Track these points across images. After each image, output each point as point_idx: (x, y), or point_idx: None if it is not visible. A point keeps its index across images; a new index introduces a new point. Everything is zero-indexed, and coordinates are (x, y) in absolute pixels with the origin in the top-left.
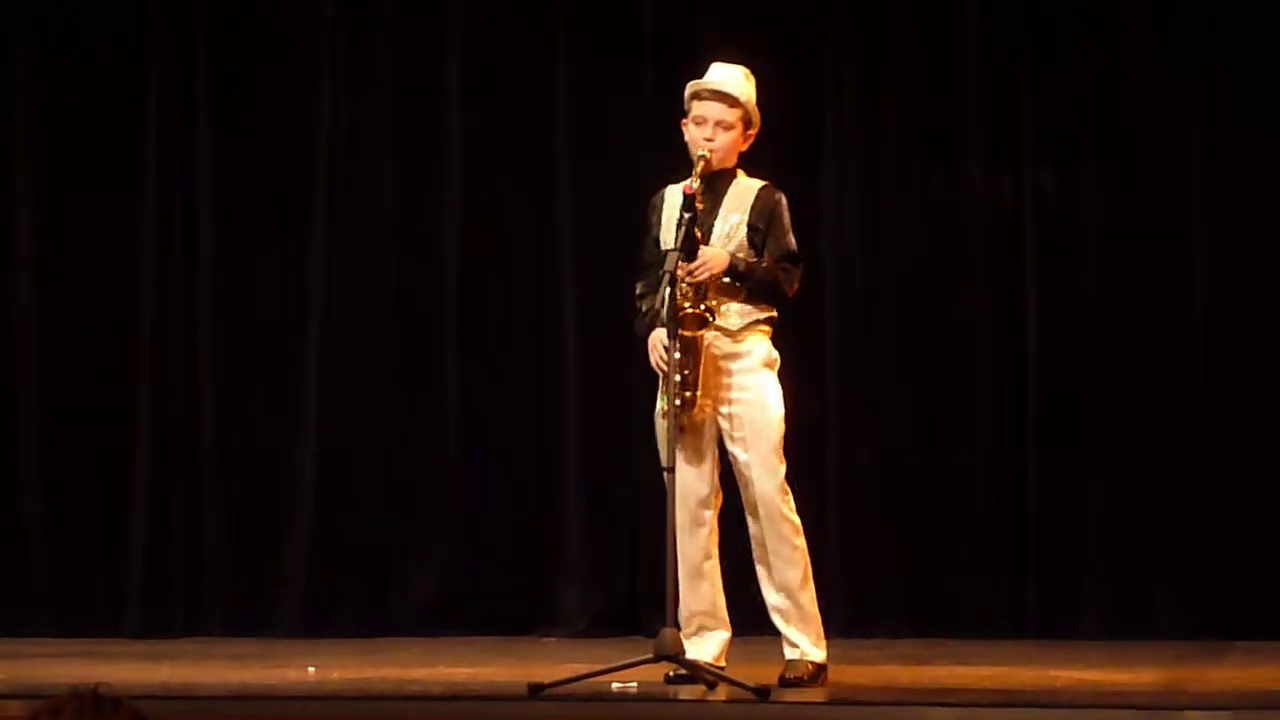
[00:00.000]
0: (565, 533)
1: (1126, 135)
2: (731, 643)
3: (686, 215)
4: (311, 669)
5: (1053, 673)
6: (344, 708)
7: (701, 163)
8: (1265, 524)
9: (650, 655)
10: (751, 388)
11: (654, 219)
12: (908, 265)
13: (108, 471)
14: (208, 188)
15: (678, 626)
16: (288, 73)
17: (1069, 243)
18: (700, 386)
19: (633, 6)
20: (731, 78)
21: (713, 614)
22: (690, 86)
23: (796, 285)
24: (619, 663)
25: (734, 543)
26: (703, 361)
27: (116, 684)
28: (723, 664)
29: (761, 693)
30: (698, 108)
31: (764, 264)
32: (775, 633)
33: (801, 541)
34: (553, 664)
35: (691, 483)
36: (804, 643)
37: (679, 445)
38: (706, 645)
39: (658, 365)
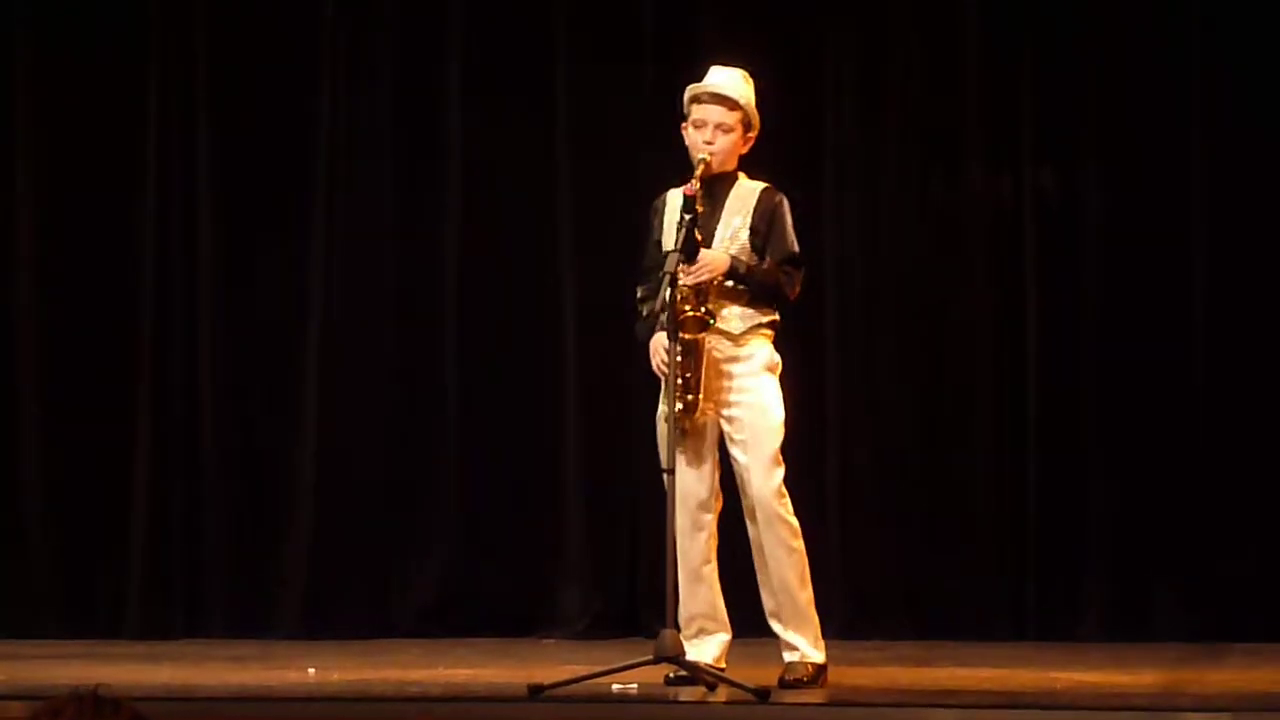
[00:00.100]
0: (565, 533)
1: (1126, 135)
2: (731, 644)
3: (687, 217)
4: (311, 670)
5: (1053, 674)
6: (344, 709)
7: (702, 166)
8: (1265, 525)
9: (650, 657)
10: (753, 391)
11: (655, 222)
12: (908, 265)
13: (108, 471)
14: (208, 188)
15: (678, 628)
16: (288, 73)
17: (1069, 243)
18: (702, 389)
19: (633, 6)
20: (730, 80)
21: (713, 616)
22: (689, 90)
23: (798, 287)
24: (619, 664)
25: (735, 545)
26: (704, 365)
27: (116, 685)
28: (723, 665)
29: (761, 694)
30: (697, 111)
31: (765, 266)
32: (775, 635)
33: (799, 544)
34: (553, 665)
35: (692, 485)
36: (803, 644)
37: (680, 448)
38: (706, 647)
39: (659, 369)
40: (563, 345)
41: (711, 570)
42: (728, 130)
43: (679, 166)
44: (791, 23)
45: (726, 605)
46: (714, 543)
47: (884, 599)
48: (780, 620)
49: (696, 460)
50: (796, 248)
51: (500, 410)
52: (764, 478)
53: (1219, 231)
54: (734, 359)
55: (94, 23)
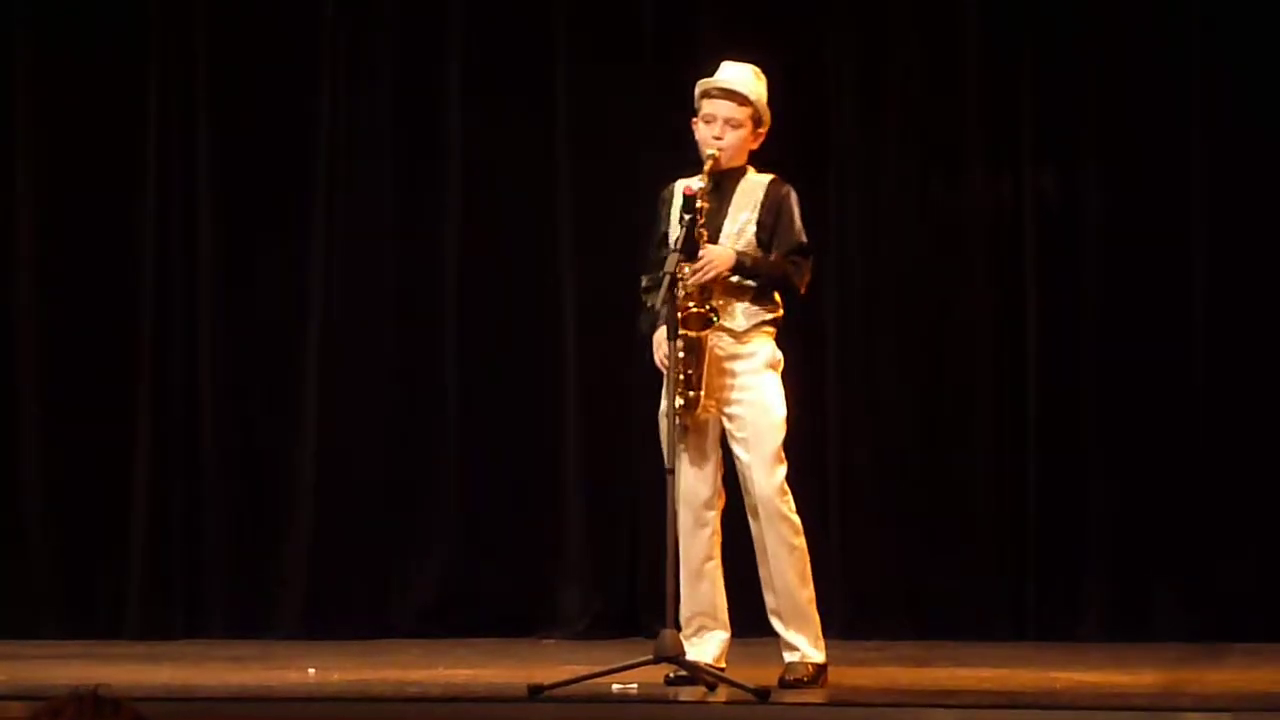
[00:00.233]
0: (565, 533)
1: (1126, 135)
2: (731, 644)
3: (687, 216)
4: (311, 670)
5: (1053, 674)
6: (344, 709)
7: (710, 162)
8: (1265, 525)
9: (650, 656)
10: (755, 388)
11: (663, 213)
12: (908, 265)
13: (108, 471)
14: (208, 188)
15: (678, 627)
16: (288, 73)
17: (1069, 243)
18: (704, 387)
19: (633, 6)
20: (740, 76)
21: (713, 615)
22: (700, 85)
23: (808, 277)
24: (619, 664)
25: (736, 544)
26: (706, 362)
27: (117, 685)
28: (723, 665)
29: (761, 694)
30: (707, 106)
31: (771, 259)
32: (775, 634)
33: (801, 542)
34: (553, 665)
35: (694, 484)
36: (803, 644)
37: (682, 445)
38: (706, 646)
39: (661, 363)
40: (563, 345)
41: (714, 567)
42: (737, 126)
43: (679, 166)
44: (791, 23)
45: (728, 604)
46: (717, 540)
47: (884, 599)
48: (781, 619)
49: (699, 458)
50: (805, 238)
51: (500, 410)
52: (766, 475)
53: (1219, 231)
54: (736, 356)
55: (94, 23)
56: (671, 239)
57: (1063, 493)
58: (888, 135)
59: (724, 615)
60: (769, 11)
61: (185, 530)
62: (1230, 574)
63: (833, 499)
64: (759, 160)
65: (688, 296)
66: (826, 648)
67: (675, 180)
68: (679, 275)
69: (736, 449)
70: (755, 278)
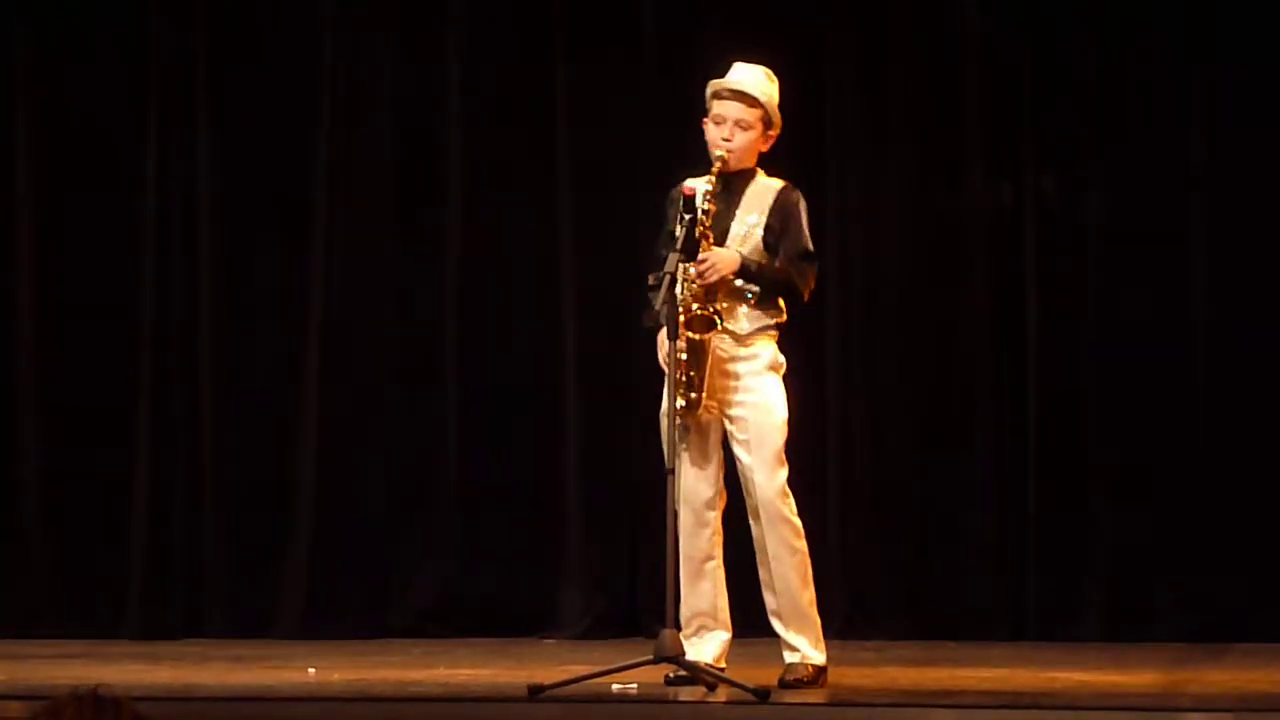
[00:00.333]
0: (565, 533)
1: (1126, 135)
2: (732, 644)
3: (687, 216)
4: (311, 670)
5: (1052, 675)
6: (344, 709)
7: (719, 163)
8: (1265, 526)
9: (650, 656)
10: (757, 390)
11: (671, 212)
12: (908, 265)
13: (108, 471)
14: (208, 188)
15: (678, 627)
16: (288, 73)
17: (1069, 243)
18: (705, 389)
19: (633, 6)
20: (752, 78)
21: (713, 615)
22: (711, 85)
23: (812, 283)
24: (619, 664)
25: (737, 545)
26: (708, 364)
27: (117, 685)
28: (723, 665)
29: (761, 694)
30: (717, 107)
31: (776, 263)
32: (775, 635)
33: (802, 544)
34: (552, 665)
35: (695, 484)
36: (804, 645)
37: (683, 446)
38: (706, 646)
39: (664, 362)
40: (563, 345)
41: (715, 568)
42: (746, 128)
43: (679, 166)
44: (791, 23)
45: (728, 604)
46: (718, 540)
47: (884, 599)
48: (781, 620)
49: (701, 459)
50: (810, 245)
51: (500, 411)
52: (768, 477)
53: (1219, 231)
54: (738, 358)
55: (94, 23)
56: (675, 238)
57: (1062, 493)
58: (888, 135)
59: (724, 616)
60: (769, 11)
61: (185, 530)
62: (1230, 574)
63: (832, 499)
64: (762, 161)
65: (692, 298)
66: (826, 648)
67: (685, 179)
68: (685, 276)
69: (738, 451)
70: (759, 282)
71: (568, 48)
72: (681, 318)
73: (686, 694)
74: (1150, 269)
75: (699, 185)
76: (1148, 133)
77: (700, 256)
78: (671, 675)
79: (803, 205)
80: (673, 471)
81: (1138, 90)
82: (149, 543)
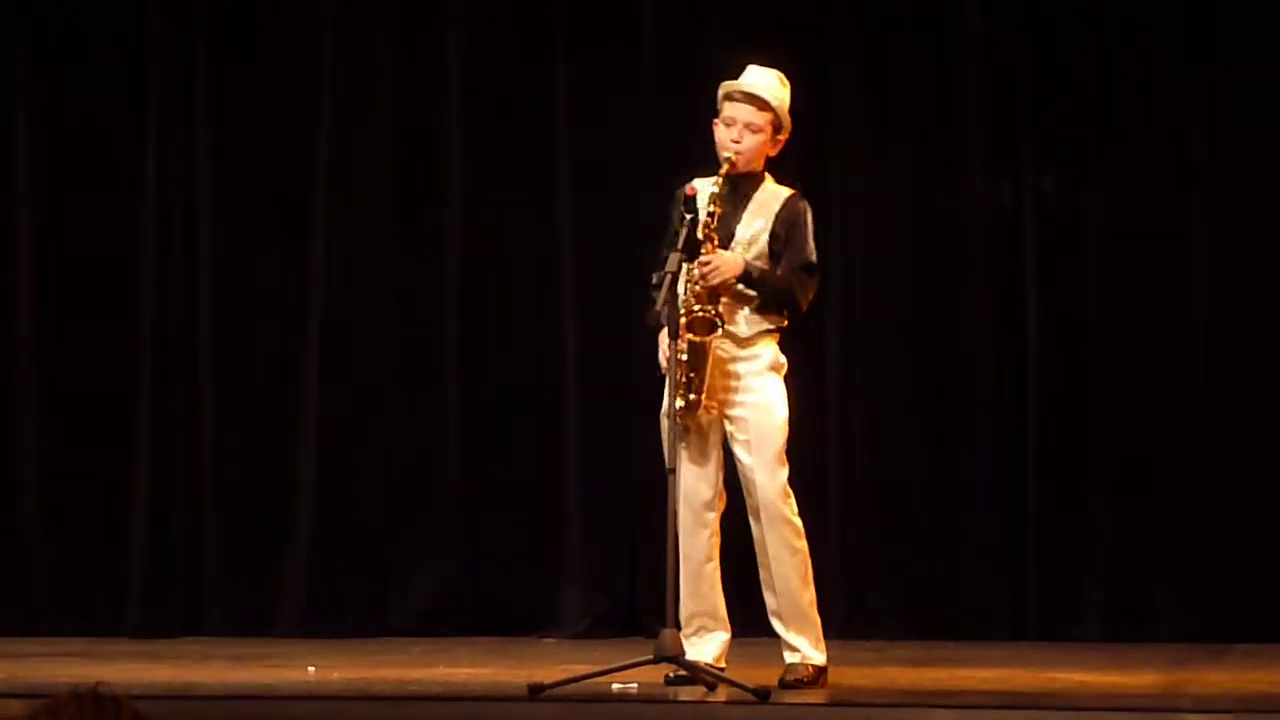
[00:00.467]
0: (565, 533)
1: (1126, 135)
2: (732, 644)
3: (688, 216)
4: (311, 669)
5: (1052, 675)
6: (344, 708)
7: (727, 165)
8: (1265, 526)
9: (650, 656)
10: (757, 391)
11: (675, 212)
12: (908, 265)
13: (107, 471)
14: (208, 188)
15: (678, 627)
16: (287, 73)
17: (1069, 243)
18: (705, 389)
19: (633, 6)
20: (764, 81)
21: (713, 615)
22: (723, 87)
23: (812, 295)
24: (619, 663)
25: (737, 545)
26: (709, 365)
27: (117, 683)
28: (723, 665)
29: (761, 694)
30: (728, 109)
31: (778, 272)
32: (776, 635)
33: (802, 544)
34: (552, 665)
35: (695, 484)
36: (804, 645)
37: (683, 446)
38: (707, 646)
39: (665, 362)
40: (563, 345)
41: (714, 569)
42: (756, 130)
43: (680, 166)
44: (792, 23)
45: (727, 604)
46: (716, 541)
47: (884, 599)
48: (782, 620)
49: (701, 459)
50: (814, 257)
51: (500, 411)
52: (768, 478)
53: (1219, 231)
54: (739, 359)
55: (94, 23)
56: (679, 239)
57: (1062, 493)
58: (888, 135)
59: (723, 616)
60: (770, 11)
61: (185, 530)
62: (1230, 574)
63: (832, 499)
64: (769, 163)
65: (694, 299)
66: (826, 648)
67: (692, 179)
68: (689, 277)
69: (738, 451)
70: (760, 289)
71: (568, 48)
72: (683, 319)
73: (686, 694)
74: (1150, 269)
75: (704, 186)
76: (1148, 133)
77: (704, 258)
78: (671, 675)
79: (809, 215)
80: (673, 472)
81: (1138, 90)
82: (149, 542)
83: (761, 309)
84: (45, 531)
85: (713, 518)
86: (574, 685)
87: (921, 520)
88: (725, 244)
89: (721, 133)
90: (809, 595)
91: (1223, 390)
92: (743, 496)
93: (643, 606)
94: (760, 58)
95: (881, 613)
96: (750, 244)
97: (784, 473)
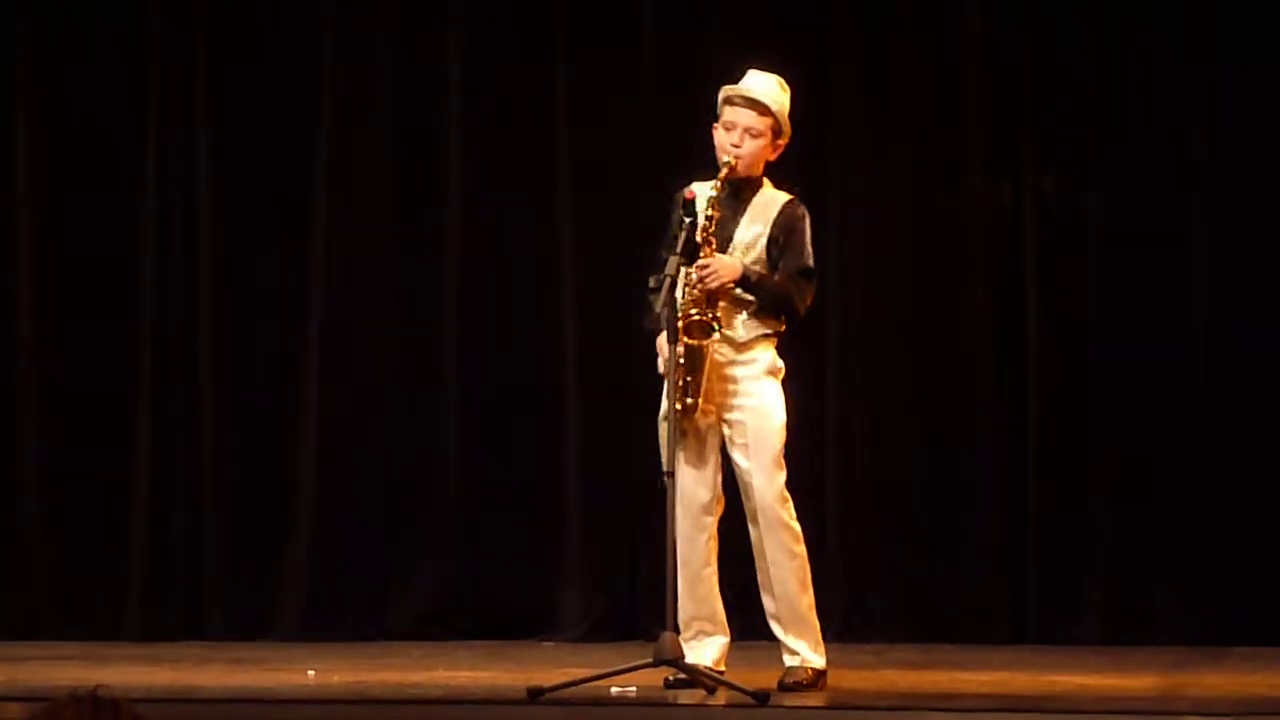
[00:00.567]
0: (565, 534)
1: (1126, 135)
2: (731, 648)
3: (687, 220)
4: (311, 672)
5: (1052, 678)
6: (343, 711)
7: (726, 169)
8: (1265, 528)
9: (650, 660)
10: (755, 395)
11: (675, 215)
12: (908, 265)
13: (108, 472)
14: (208, 188)
15: (677, 631)
16: (287, 73)
17: (1069, 243)
18: (702, 393)
19: (633, 6)
20: (764, 86)
21: (712, 619)
22: (723, 91)
23: (809, 301)
24: (618, 667)
25: (736, 549)
26: (706, 369)
27: (116, 686)
28: (722, 669)
29: (761, 697)
30: (728, 113)
31: (776, 277)
32: (775, 638)
33: (801, 548)
34: (552, 668)
35: (693, 488)
36: (803, 649)
37: (681, 450)
38: (706, 650)
39: (664, 366)
40: (563, 345)
41: (712, 573)
42: (756, 135)
43: (679, 167)
44: (792, 23)
45: (726, 608)
46: (715, 545)
47: (883, 600)
48: (780, 624)
49: (698, 463)
50: (811, 262)
51: (500, 411)
52: (766, 482)
53: (1219, 231)
54: (736, 363)
55: (94, 23)
56: (678, 242)
57: (1062, 493)
58: (888, 136)
59: (722, 619)
60: (769, 11)
61: (185, 530)
62: (1229, 577)
63: (831, 501)
64: (768, 166)
65: (691, 303)
66: (825, 651)
67: (691, 183)
68: (687, 281)
69: (736, 455)
70: (757, 294)
71: (568, 48)
72: (680, 323)
73: (686, 697)
74: (1150, 269)
75: (703, 190)
76: (1148, 133)
77: (702, 261)
78: (671, 678)
79: (807, 220)
80: (671, 476)
81: (1138, 90)
82: (149, 543)
83: (759, 313)
84: (45, 531)
85: (711, 522)
86: (573, 689)
87: (921, 520)
88: (723, 248)
89: (721, 137)
90: (807, 599)
91: (1223, 390)
92: (741, 500)
93: (642, 608)
94: (760, 58)
95: (881, 614)
96: (748, 249)
97: (782, 477)
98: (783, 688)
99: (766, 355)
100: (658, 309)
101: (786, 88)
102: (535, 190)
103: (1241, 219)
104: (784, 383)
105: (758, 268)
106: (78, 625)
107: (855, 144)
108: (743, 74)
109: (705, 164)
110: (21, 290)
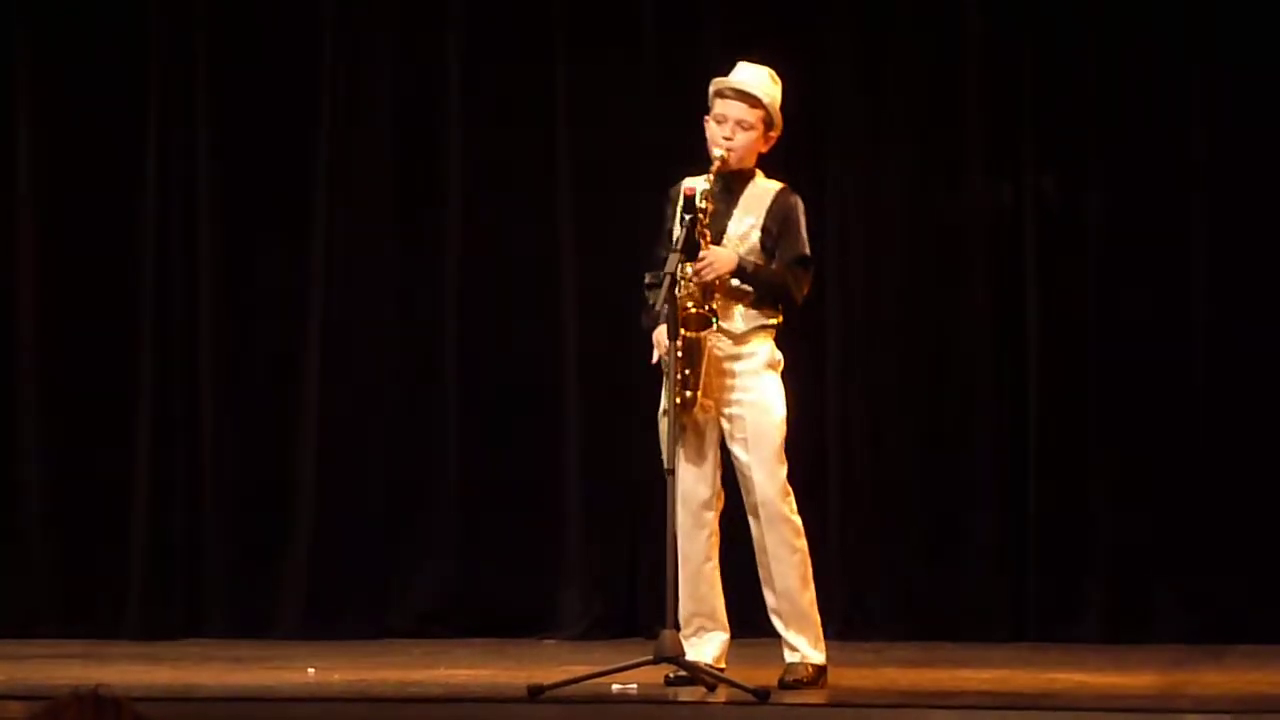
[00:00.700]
0: (565, 534)
1: (1126, 135)
2: (731, 645)
3: (688, 216)
4: (311, 671)
5: (1052, 676)
6: (344, 710)
7: (718, 162)
8: (1265, 526)
9: (650, 657)
10: (754, 389)
11: (670, 210)
12: (908, 265)
13: (108, 471)
14: (208, 188)
15: (678, 628)
16: (287, 72)
17: (1069, 243)
18: (701, 387)
19: (633, 6)
20: (755, 78)
21: (712, 616)
22: (714, 84)
23: (806, 289)
24: (619, 664)
25: (736, 545)
26: (705, 362)
27: (117, 685)
28: (722, 666)
29: (761, 694)
30: (719, 105)
31: (773, 267)
32: (775, 635)
33: (802, 543)
34: (552, 666)
35: (693, 484)
36: (803, 645)
37: (680, 445)
38: (706, 647)
39: (664, 359)
40: (563, 345)
41: (713, 569)
42: (748, 128)
43: (679, 166)
44: (792, 23)
45: (727, 605)
46: (715, 541)
47: (884, 599)
48: (781, 619)
49: (698, 458)
50: (807, 250)
51: (500, 411)
52: (767, 476)
53: (1219, 231)
54: (735, 357)
55: (94, 23)
56: (674, 238)
57: (1062, 493)
58: (888, 135)
59: (723, 616)
60: (769, 11)
61: (185, 530)
62: (1230, 574)
63: (832, 499)
64: (762, 160)
65: (688, 296)
66: (826, 649)
67: (684, 178)
68: (680, 275)
69: (736, 450)
70: (754, 284)
71: (568, 48)
72: (678, 316)
73: (686, 694)
74: (1150, 269)
75: (698, 185)
76: (1148, 133)
77: (698, 254)
78: (671, 676)
79: (800, 209)
80: (671, 472)
81: (1138, 90)
82: (149, 543)
83: (756, 304)
84: (45, 531)
85: (711, 517)
86: (574, 686)
87: (921, 520)
88: (717, 241)
89: (713, 129)
90: (809, 595)
91: (1223, 390)
92: (741, 495)
93: (642, 607)
94: (760, 58)
95: (881, 613)
96: (742, 240)
97: (783, 471)
98: (783, 685)
99: (765, 348)
100: (657, 305)
101: (777, 79)
102: (535, 190)
103: (1241, 219)
104: (783, 377)
105: (752, 258)
106: (78, 626)
107: (855, 144)
108: (731, 66)
109: (702, 159)
110: (22, 290)
